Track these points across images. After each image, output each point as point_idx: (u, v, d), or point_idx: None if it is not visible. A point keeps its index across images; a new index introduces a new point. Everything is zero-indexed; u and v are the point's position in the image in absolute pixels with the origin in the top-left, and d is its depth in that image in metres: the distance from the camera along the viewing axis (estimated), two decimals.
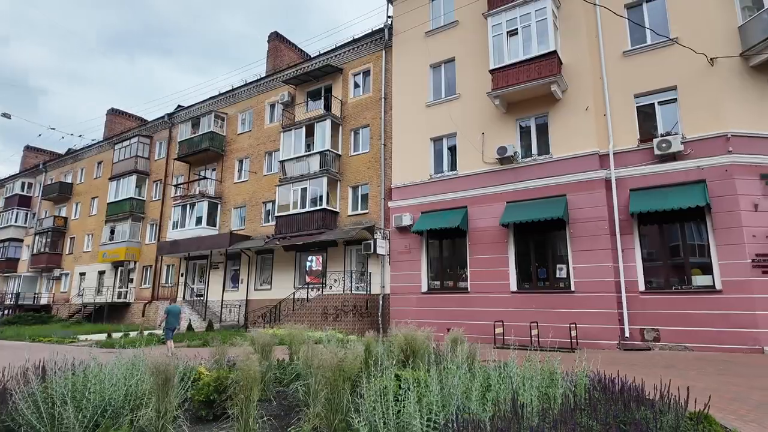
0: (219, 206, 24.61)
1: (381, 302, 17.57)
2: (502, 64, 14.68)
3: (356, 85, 20.93)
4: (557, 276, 13.61)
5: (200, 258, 24.66)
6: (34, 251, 34.77)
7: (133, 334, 18.04)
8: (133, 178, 28.82)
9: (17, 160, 52.96)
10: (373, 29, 19.98)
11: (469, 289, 14.93)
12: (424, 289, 15.97)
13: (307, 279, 19.87)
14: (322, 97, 21.71)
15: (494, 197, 14.79)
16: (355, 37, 20.57)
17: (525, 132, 14.98)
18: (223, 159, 25.35)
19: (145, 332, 18.05)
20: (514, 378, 4.40)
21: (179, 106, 28.63)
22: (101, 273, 30.58)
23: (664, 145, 12.16)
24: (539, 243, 14.21)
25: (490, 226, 14.64)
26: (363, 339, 6.18)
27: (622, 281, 12.41)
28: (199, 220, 24.18)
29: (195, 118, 26.29)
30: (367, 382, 4.05)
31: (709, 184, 11.66)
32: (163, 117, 29.17)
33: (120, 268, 29.23)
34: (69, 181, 35.53)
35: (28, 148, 42.88)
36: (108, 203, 29.68)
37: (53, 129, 30.70)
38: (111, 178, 30.03)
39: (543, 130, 14.57)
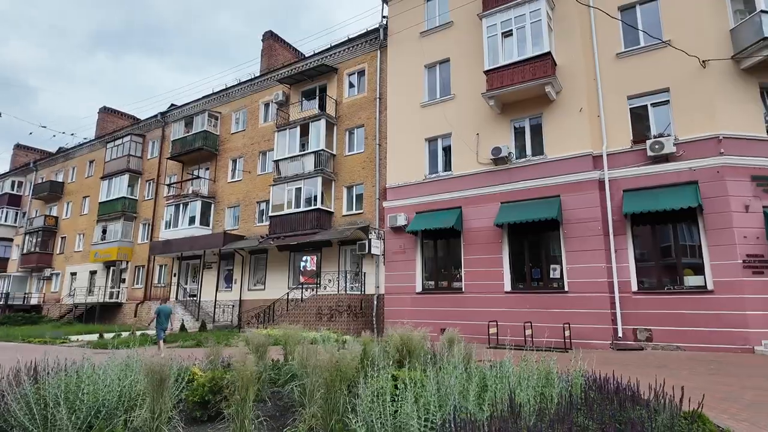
0: (212, 206, 24.47)
1: (375, 302, 17.56)
2: (496, 65, 14.74)
3: (351, 85, 20.91)
4: (551, 276, 13.68)
5: (193, 258, 24.52)
6: (24, 251, 34.41)
7: (125, 334, 17.89)
8: (126, 177, 28.57)
9: (7, 159, 52.37)
10: (368, 29, 20.00)
11: (463, 290, 14.96)
12: (419, 289, 15.98)
13: (302, 279, 19.77)
14: (317, 97, 21.65)
15: (489, 198, 14.84)
16: (350, 37, 20.57)
17: (519, 133, 15.05)
18: (216, 158, 25.21)
19: (138, 332, 17.91)
20: (511, 378, 4.41)
21: (172, 105, 28.48)
22: (93, 273, 30.29)
23: (656, 146, 12.28)
24: (533, 243, 14.28)
25: (485, 227, 14.68)
26: (359, 339, 6.18)
27: (615, 281, 12.49)
28: (192, 220, 24.02)
29: (188, 117, 26.14)
30: (364, 382, 4.04)
31: (701, 186, 11.79)
32: (156, 116, 28.98)
33: (112, 268, 28.96)
34: (60, 180, 35.17)
35: (18, 147, 42.43)
36: (100, 202, 29.40)
37: (44, 127, 30.54)
38: (103, 177, 29.75)
39: (537, 131, 14.65)
